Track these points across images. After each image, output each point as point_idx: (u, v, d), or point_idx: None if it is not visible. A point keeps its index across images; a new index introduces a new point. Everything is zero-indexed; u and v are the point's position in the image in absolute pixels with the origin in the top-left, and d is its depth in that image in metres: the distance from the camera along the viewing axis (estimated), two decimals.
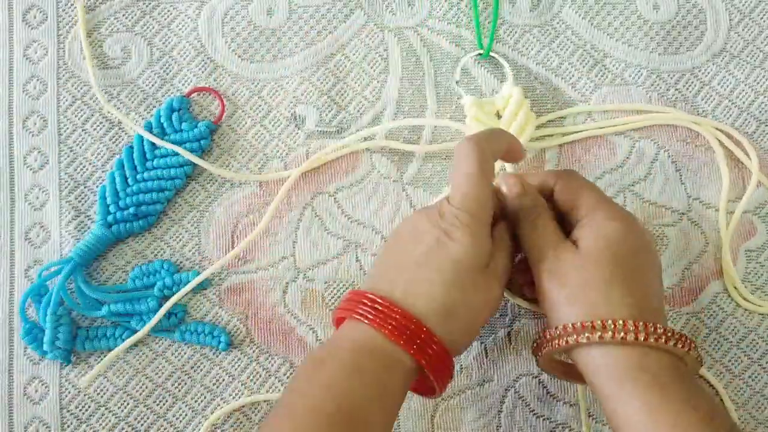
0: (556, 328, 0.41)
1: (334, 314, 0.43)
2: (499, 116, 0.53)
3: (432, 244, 0.41)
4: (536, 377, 0.51)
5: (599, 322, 0.40)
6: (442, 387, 0.42)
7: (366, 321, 0.40)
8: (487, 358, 0.51)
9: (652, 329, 0.40)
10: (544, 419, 0.50)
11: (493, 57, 0.54)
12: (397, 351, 0.40)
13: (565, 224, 0.44)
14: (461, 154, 0.42)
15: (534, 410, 0.50)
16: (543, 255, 0.43)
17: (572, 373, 0.45)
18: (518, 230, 0.45)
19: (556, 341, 0.41)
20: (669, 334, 0.40)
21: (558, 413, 0.50)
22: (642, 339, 0.39)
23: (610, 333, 0.39)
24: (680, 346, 0.40)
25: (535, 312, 0.51)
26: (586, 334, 0.40)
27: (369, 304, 0.41)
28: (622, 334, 0.39)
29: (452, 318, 0.41)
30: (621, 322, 0.40)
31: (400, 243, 0.43)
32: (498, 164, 0.51)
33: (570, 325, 0.41)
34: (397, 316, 0.40)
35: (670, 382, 0.39)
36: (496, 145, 0.44)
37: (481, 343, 0.51)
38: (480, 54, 0.54)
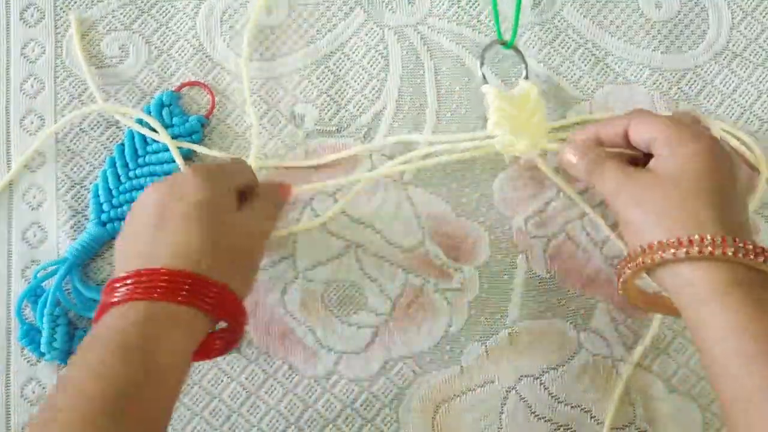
0: (640, 247, 0.41)
1: (96, 313, 0.41)
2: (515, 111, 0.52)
3: (169, 198, 0.41)
4: (538, 378, 0.50)
5: (686, 237, 0.39)
6: (240, 327, 0.42)
7: (128, 298, 0.38)
8: (488, 359, 0.51)
9: (741, 244, 0.38)
10: (545, 420, 0.50)
11: (507, 50, 0.54)
12: (172, 311, 0.39)
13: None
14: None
15: (535, 411, 0.50)
16: (619, 187, 0.43)
17: (657, 304, 0.45)
18: (592, 181, 0.45)
19: (640, 259, 0.40)
20: (758, 250, 0.38)
21: (560, 415, 0.50)
22: (731, 254, 0.38)
23: (696, 248, 0.38)
24: None
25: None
26: (672, 250, 0.39)
27: (123, 283, 0.39)
28: (710, 248, 0.38)
29: (216, 256, 0.41)
30: (709, 237, 0.38)
31: (131, 219, 0.43)
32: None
33: (655, 242, 0.40)
34: (165, 277, 0.39)
35: (758, 300, 0.38)
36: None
37: (483, 344, 0.51)
38: (504, 44, 0.53)
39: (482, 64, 0.53)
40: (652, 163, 0.43)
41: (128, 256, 0.41)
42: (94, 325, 0.39)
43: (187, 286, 0.39)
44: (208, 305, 0.39)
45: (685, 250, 0.39)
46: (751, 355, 0.36)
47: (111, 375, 0.36)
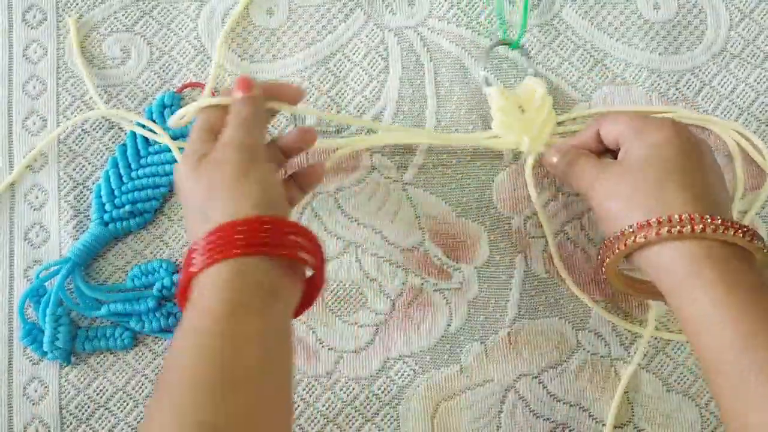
0: (614, 234, 0.42)
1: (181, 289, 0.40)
2: (521, 109, 0.52)
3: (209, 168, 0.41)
4: (536, 377, 0.51)
5: (654, 219, 0.40)
6: (313, 257, 0.40)
7: (205, 265, 0.37)
8: (487, 358, 0.51)
9: (709, 220, 0.39)
10: (544, 419, 0.50)
11: (511, 49, 0.54)
12: (254, 268, 0.38)
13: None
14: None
15: (534, 410, 0.50)
16: (592, 180, 0.44)
17: (642, 288, 0.46)
18: (569, 181, 0.47)
19: (616, 246, 0.41)
20: (728, 224, 0.39)
21: (558, 413, 0.50)
22: (699, 230, 0.39)
23: (665, 228, 0.39)
24: (741, 235, 0.39)
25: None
26: (643, 233, 0.40)
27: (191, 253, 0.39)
28: (678, 227, 0.39)
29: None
30: (677, 216, 0.39)
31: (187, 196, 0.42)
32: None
33: (626, 228, 0.41)
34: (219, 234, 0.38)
35: (734, 273, 0.38)
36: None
37: (482, 343, 0.51)
38: (508, 44, 0.54)
39: (485, 66, 0.53)
40: (621, 154, 0.44)
41: (197, 220, 0.41)
42: (189, 302, 0.38)
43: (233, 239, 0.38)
44: (267, 247, 0.38)
45: (655, 231, 0.40)
46: (730, 337, 0.37)
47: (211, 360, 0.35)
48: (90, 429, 0.50)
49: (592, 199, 0.45)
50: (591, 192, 0.45)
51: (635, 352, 0.51)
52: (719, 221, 0.39)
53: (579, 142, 0.49)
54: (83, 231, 0.52)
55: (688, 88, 0.54)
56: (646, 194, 0.41)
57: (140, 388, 0.51)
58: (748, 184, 0.53)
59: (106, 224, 0.51)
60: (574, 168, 0.47)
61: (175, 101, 0.53)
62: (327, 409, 0.51)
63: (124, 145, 0.53)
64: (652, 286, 0.43)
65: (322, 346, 0.51)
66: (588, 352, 0.51)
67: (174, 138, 0.52)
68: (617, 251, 0.42)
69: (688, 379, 0.51)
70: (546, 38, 0.55)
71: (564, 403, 0.50)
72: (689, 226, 0.39)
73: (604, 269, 0.44)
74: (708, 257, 0.39)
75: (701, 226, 0.39)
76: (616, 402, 0.50)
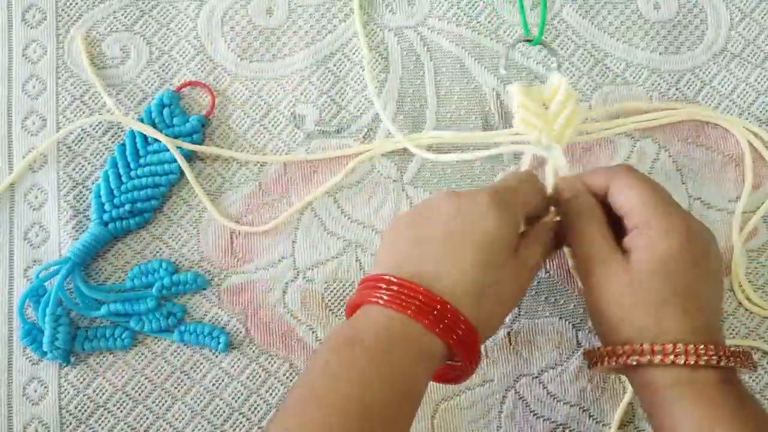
0: (605, 348, 0.41)
1: (349, 301, 0.41)
2: (545, 106, 0.50)
3: (459, 220, 0.41)
4: (536, 377, 0.51)
5: (648, 346, 0.39)
6: (472, 369, 0.41)
7: (387, 304, 0.38)
8: (487, 358, 0.51)
9: (703, 351, 0.39)
10: (544, 420, 0.50)
11: (532, 46, 0.54)
12: (423, 335, 0.38)
13: (620, 228, 0.43)
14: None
15: (534, 411, 0.50)
16: (592, 267, 0.42)
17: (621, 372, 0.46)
18: (568, 234, 0.44)
19: (607, 360, 0.41)
20: (721, 354, 0.39)
21: (558, 414, 0.50)
22: (693, 362, 0.39)
23: (659, 357, 0.39)
24: (732, 364, 0.39)
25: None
26: (636, 357, 0.40)
27: (386, 286, 0.39)
28: (672, 357, 0.39)
29: (483, 299, 0.40)
30: (671, 346, 0.39)
31: (418, 220, 0.42)
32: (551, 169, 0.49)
33: (620, 348, 0.40)
34: (421, 297, 0.38)
35: (719, 396, 0.39)
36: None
37: (482, 343, 0.51)
38: (530, 41, 0.53)
39: (506, 64, 0.52)
40: (627, 244, 0.42)
41: (404, 255, 0.41)
42: (353, 316, 0.40)
43: (446, 320, 0.38)
44: (454, 341, 0.38)
45: (647, 358, 0.39)
46: None
47: (369, 389, 0.37)
48: (90, 429, 0.50)
49: (588, 288, 0.43)
50: (589, 280, 0.42)
51: None
52: (712, 352, 0.39)
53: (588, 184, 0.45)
54: (83, 231, 0.52)
55: (688, 88, 0.54)
56: (644, 311, 0.40)
57: (140, 388, 0.51)
58: (738, 184, 0.53)
59: (106, 224, 0.51)
60: (579, 225, 0.44)
61: (174, 100, 0.53)
62: None
63: (123, 144, 0.52)
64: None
65: None
66: None
67: (175, 137, 0.52)
68: (606, 364, 0.41)
69: None
70: (546, 38, 0.55)
71: (564, 403, 0.50)
72: (683, 358, 0.39)
73: (589, 369, 0.44)
74: (692, 381, 0.39)
75: (694, 358, 0.39)
76: (622, 407, 0.50)
